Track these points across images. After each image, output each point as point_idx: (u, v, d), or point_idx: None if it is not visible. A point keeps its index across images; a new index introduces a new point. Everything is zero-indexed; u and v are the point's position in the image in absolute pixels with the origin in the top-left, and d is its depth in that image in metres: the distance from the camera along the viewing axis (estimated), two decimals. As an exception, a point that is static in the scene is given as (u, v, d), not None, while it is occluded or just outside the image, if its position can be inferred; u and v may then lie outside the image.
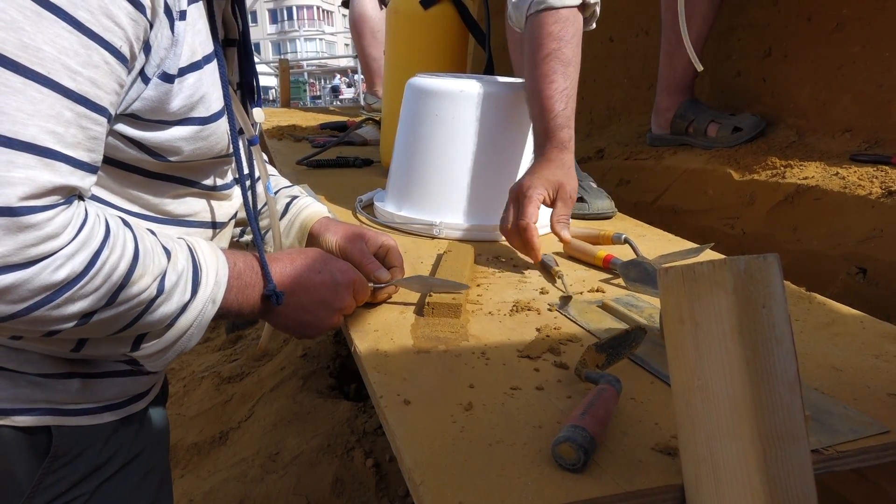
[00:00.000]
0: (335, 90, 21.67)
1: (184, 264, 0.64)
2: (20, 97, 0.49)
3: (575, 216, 1.37)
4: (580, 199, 1.42)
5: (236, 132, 0.74)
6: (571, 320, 0.84)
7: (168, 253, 0.63)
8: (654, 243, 1.22)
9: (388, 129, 1.73)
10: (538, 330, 0.80)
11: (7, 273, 0.50)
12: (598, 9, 1.20)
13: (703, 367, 0.50)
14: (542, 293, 0.94)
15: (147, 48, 0.59)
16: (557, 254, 1.13)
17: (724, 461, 0.46)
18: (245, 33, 0.79)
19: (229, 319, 0.81)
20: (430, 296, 0.84)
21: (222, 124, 0.70)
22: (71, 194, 0.53)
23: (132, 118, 0.62)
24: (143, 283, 0.60)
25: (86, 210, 0.55)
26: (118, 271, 0.57)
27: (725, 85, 1.79)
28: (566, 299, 0.90)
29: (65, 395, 0.66)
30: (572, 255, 1.12)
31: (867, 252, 1.13)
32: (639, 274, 0.96)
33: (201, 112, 0.67)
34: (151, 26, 0.58)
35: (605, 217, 1.41)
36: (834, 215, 1.20)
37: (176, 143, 0.66)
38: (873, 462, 0.58)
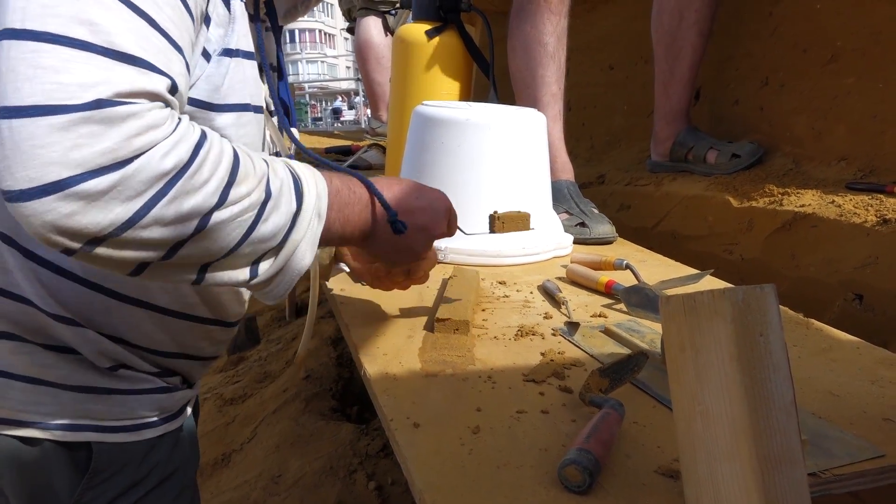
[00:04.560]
0: (336, 112, 21.84)
1: (283, 173, 0.62)
2: (113, 15, 0.49)
3: (577, 241, 1.40)
4: (582, 224, 1.44)
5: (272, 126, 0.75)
6: (575, 345, 0.86)
7: (265, 161, 0.62)
8: (655, 269, 1.24)
9: (394, 155, 1.76)
10: (542, 354, 0.82)
11: (118, 168, 0.48)
12: None
13: (703, 392, 0.52)
14: (546, 318, 0.96)
15: (206, 20, 0.60)
16: (560, 279, 1.16)
17: (723, 483, 0.48)
18: (280, 56, 0.81)
19: (332, 245, 0.80)
20: (440, 312, 0.87)
21: (257, 120, 0.71)
22: (165, 103, 0.52)
23: (194, 106, 0.62)
24: (250, 184, 0.57)
25: (178, 116, 0.54)
26: (223, 165, 0.55)
27: (723, 113, 1.82)
28: (572, 325, 0.92)
29: (105, 411, 0.68)
30: (575, 281, 1.14)
31: (863, 279, 1.15)
32: (640, 300, 0.98)
33: (244, 98, 0.66)
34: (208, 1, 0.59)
35: (606, 242, 1.44)
36: (830, 243, 1.23)
37: (226, 132, 0.64)
38: (869, 485, 0.60)
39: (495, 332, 0.90)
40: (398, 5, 3.30)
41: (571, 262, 1.21)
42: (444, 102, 1.38)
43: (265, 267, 0.62)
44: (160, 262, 0.54)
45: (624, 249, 1.41)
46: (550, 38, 1.58)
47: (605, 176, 2.02)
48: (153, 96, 0.50)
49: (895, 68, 1.36)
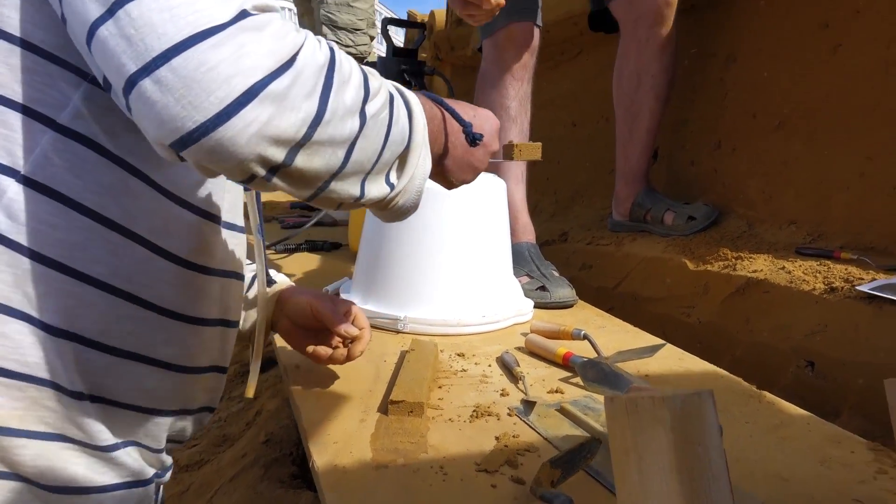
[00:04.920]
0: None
1: (380, 79, 0.62)
2: None
3: (537, 305, 1.41)
4: (542, 288, 1.45)
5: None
6: (530, 426, 0.86)
7: None
8: (614, 336, 1.25)
9: (356, 214, 1.76)
10: (497, 438, 0.81)
11: (287, 66, 0.49)
12: None
13: (646, 497, 0.52)
14: (502, 395, 0.96)
15: None
16: (519, 349, 1.16)
17: None
18: None
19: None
20: (395, 394, 0.87)
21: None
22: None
23: None
24: (376, 81, 0.59)
25: None
26: (353, 62, 0.57)
27: (680, 173, 1.87)
28: (528, 404, 0.91)
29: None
30: (533, 352, 1.14)
31: (814, 346, 1.18)
32: (596, 375, 0.99)
33: None
34: None
35: (566, 306, 1.45)
36: (782, 309, 1.25)
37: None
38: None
39: (451, 412, 0.89)
40: (364, 61, 3.35)
41: (531, 331, 1.22)
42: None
43: (395, 177, 0.64)
44: (338, 173, 0.56)
45: (584, 313, 1.43)
46: (513, 101, 1.62)
47: (567, 234, 2.04)
48: (271, 8, 0.52)
49: (838, 137, 1.42)
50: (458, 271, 1.26)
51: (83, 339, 0.61)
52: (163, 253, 0.66)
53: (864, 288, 1.11)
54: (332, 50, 0.55)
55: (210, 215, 0.71)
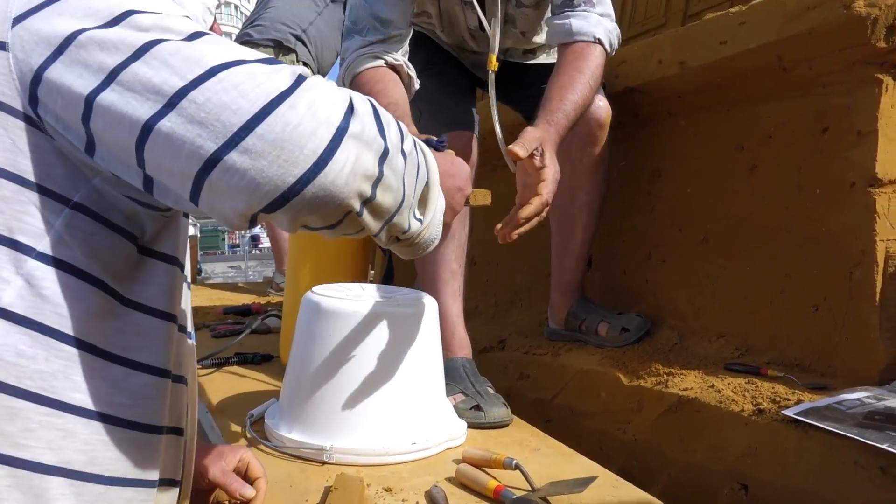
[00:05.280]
0: (255, 239, 21.70)
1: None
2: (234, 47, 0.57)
3: (471, 425, 1.37)
4: (477, 408, 1.43)
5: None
6: (454, 580, 0.82)
7: None
8: (548, 460, 1.22)
9: (287, 326, 1.72)
10: None
11: (350, 111, 0.55)
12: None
13: None
14: (428, 540, 0.91)
15: None
16: (450, 479, 1.12)
17: None
18: None
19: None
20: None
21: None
22: None
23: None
24: (403, 123, 0.64)
25: None
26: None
27: (614, 282, 1.90)
28: (451, 551, 0.87)
29: None
30: (464, 484, 1.10)
31: (746, 468, 1.17)
32: (526, 513, 0.96)
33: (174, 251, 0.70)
34: None
35: (501, 425, 1.42)
36: (713, 429, 1.25)
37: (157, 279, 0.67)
38: None
39: (372, 565, 0.84)
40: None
41: (462, 458, 1.18)
42: (335, 289, 1.37)
43: (420, 212, 0.69)
44: (401, 205, 0.62)
45: (520, 433, 1.40)
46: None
47: (505, 341, 2.04)
48: (307, 71, 0.57)
49: (759, 253, 1.47)
50: (386, 396, 1.22)
51: (72, 472, 0.59)
52: (141, 367, 0.65)
53: (790, 412, 1.12)
54: (369, 98, 0.60)
55: (180, 326, 0.71)
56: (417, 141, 0.68)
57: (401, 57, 1.50)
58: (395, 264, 1.65)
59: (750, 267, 1.49)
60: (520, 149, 1.23)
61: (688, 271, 1.64)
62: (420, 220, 0.69)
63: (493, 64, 1.51)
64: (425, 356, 1.30)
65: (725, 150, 1.59)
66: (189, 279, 0.78)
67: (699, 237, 1.63)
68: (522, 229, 1.29)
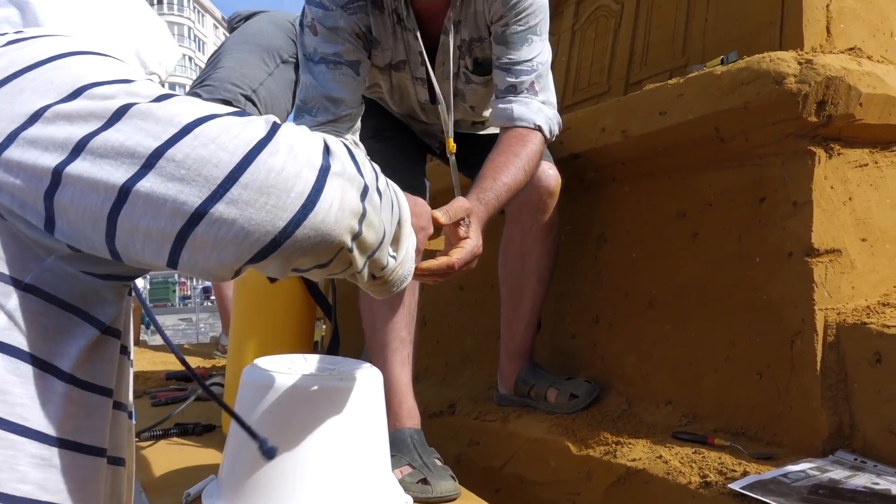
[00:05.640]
0: (206, 291, 21.27)
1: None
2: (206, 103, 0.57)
3: (418, 500, 1.33)
4: (424, 481, 1.38)
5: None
6: None
7: None
8: (495, 539, 1.19)
9: (229, 398, 1.66)
10: None
11: (327, 150, 0.56)
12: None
13: None
14: None
15: None
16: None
17: None
18: None
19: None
20: None
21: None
22: None
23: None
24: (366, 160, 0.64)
25: None
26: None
27: (562, 346, 1.90)
28: None
29: None
30: (407, 570, 1.06)
31: (695, 545, 1.16)
32: None
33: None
34: None
35: (449, 500, 1.38)
36: (662, 502, 1.24)
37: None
38: None
39: None
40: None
41: (407, 541, 1.14)
42: (277, 361, 1.33)
43: (393, 249, 0.69)
44: (383, 240, 0.63)
45: (467, 508, 1.36)
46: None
47: (455, 405, 2.00)
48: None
49: (703, 320, 1.48)
50: (329, 473, 1.17)
51: None
52: (90, 450, 0.62)
53: (736, 486, 1.11)
54: (339, 139, 0.60)
55: (116, 402, 0.68)
56: (388, 180, 0.69)
57: (350, 137, 1.50)
58: (342, 332, 1.62)
59: (695, 333, 1.50)
60: (441, 215, 1.21)
61: (634, 336, 1.65)
62: (394, 257, 0.70)
63: (451, 146, 1.53)
64: (369, 430, 1.26)
65: (668, 217, 1.61)
66: (131, 347, 0.75)
67: (645, 302, 1.64)
68: (417, 277, 1.26)
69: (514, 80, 1.51)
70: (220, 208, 0.49)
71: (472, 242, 1.24)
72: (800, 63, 1.31)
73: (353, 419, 1.23)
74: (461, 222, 1.25)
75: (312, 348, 1.70)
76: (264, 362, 1.32)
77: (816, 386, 1.24)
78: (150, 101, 0.54)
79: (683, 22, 1.92)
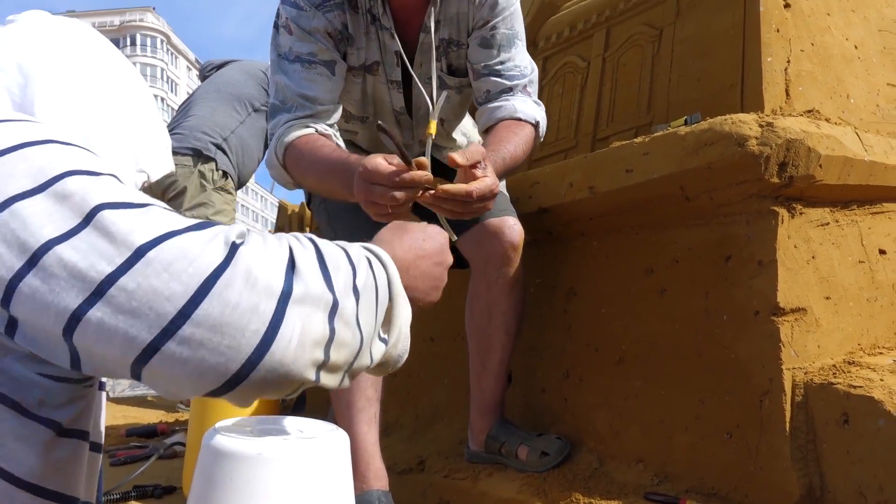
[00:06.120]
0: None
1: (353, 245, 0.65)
2: (169, 217, 0.55)
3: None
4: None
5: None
6: None
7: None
8: None
9: (190, 459, 1.61)
10: None
11: (290, 268, 0.53)
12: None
13: None
14: None
15: None
16: None
17: None
18: None
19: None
20: None
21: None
22: None
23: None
24: (354, 251, 0.61)
25: None
26: (329, 243, 0.60)
27: (533, 400, 1.88)
28: None
29: None
30: None
31: None
32: None
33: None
34: None
35: (417, 566, 1.34)
36: (635, 569, 1.21)
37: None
38: None
39: None
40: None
41: None
42: (239, 423, 1.29)
43: (384, 332, 0.65)
44: (360, 350, 0.59)
45: (436, 576, 1.32)
46: None
47: (425, 462, 1.96)
48: (244, 230, 0.55)
49: (673, 377, 1.48)
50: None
51: None
52: (65, 499, 0.61)
53: (708, 552, 1.10)
54: (312, 241, 0.57)
55: (95, 444, 0.69)
56: (370, 257, 0.64)
57: (329, 128, 1.51)
58: (308, 392, 1.58)
59: (665, 390, 1.49)
60: (459, 157, 1.21)
61: (605, 392, 1.64)
62: (385, 341, 0.66)
63: (433, 127, 1.48)
64: (335, 494, 1.22)
65: (636, 273, 1.62)
66: (102, 438, 0.75)
67: (615, 357, 1.63)
68: (434, 203, 1.24)
69: (508, 82, 1.58)
70: (171, 347, 0.48)
71: (490, 179, 1.24)
72: (761, 126, 1.34)
73: (318, 483, 1.19)
74: (478, 164, 1.24)
75: (278, 408, 1.66)
76: (226, 426, 1.27)
77: (786, 447, 1.24)
78: (111, 207, 0.51)
79: (648, 81, 1.96)
